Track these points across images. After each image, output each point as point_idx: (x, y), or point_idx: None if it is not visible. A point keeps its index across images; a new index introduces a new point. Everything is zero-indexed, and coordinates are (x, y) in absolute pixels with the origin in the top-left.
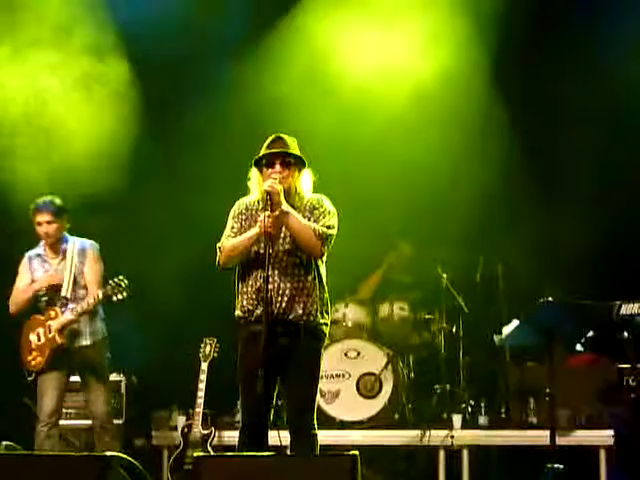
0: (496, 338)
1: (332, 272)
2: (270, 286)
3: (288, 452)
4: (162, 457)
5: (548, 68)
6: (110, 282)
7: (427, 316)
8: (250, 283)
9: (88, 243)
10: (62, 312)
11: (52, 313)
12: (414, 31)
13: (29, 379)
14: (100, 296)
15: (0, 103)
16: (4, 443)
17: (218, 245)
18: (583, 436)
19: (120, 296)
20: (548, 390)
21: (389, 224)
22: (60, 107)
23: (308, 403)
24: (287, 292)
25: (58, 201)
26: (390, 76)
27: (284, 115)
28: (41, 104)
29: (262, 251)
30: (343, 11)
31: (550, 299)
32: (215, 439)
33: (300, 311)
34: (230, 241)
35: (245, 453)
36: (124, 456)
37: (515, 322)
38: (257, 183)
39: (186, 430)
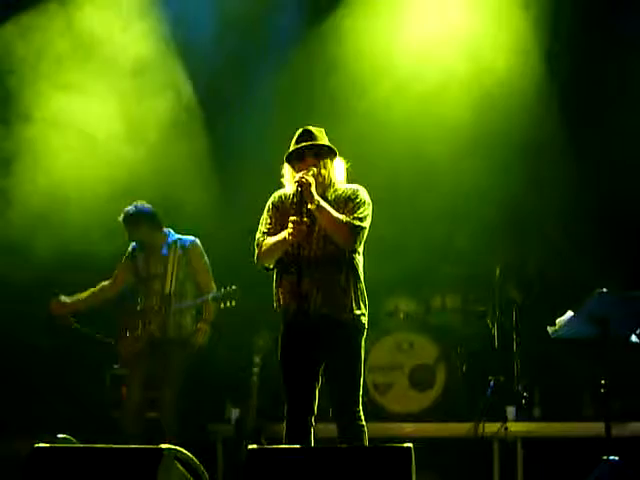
0: (550, 329)
1: (383, 264)
2: (305, 280)
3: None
4: (216, 449)
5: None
6: (223, 289)
7: (480, 308)
8: (284, 277)
9: (190, 239)
10: (166, 307)
11: (155, 307)
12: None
13: (117, 368)
14: (210, 299)
15: None
16: (60, 436)
17: (255, 242)
18: (639, 427)
19: (229, 304)
20: (603, 381)
21: (440, 216)
22: None
23: (350, 395)
24: (322, 286)
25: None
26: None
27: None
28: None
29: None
30: None
31: (604, 290)
32: (268, 432)
33: (336, 304)
34: (267, 239)
35: (298, 446)
36: (179, 449)
37: (569, 313)
38: (290, 179)
39: (240, 422)
